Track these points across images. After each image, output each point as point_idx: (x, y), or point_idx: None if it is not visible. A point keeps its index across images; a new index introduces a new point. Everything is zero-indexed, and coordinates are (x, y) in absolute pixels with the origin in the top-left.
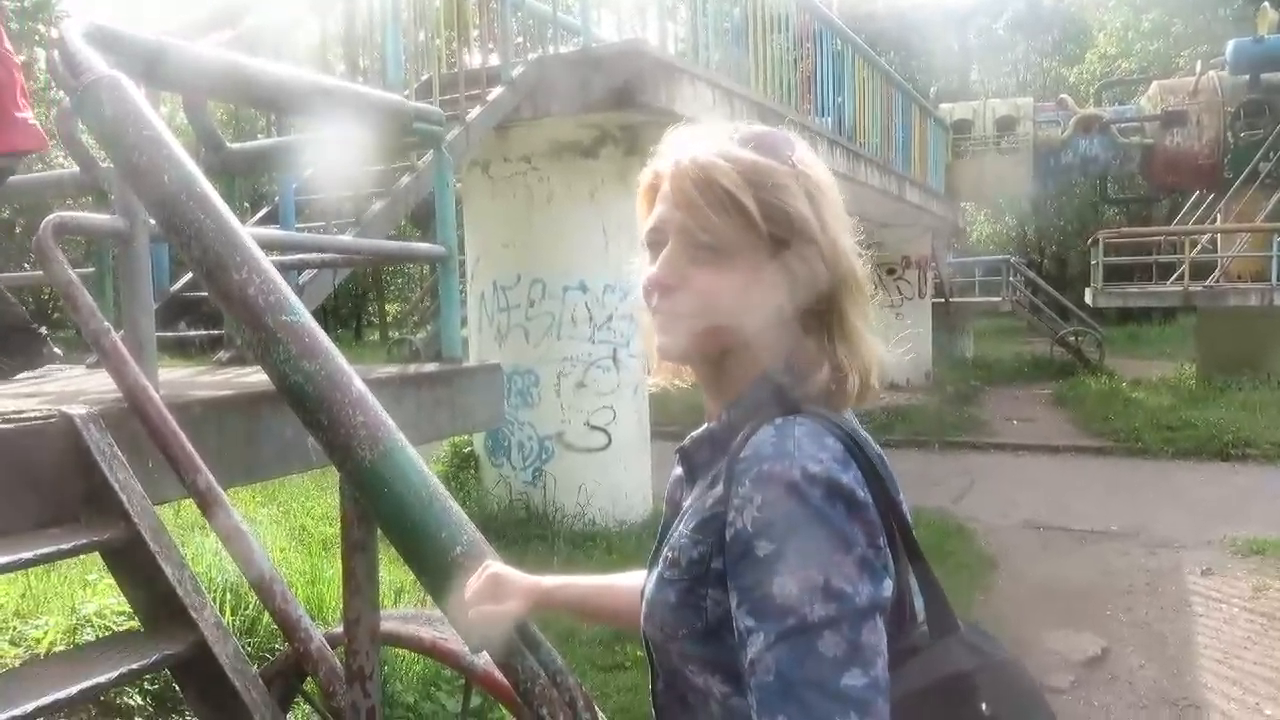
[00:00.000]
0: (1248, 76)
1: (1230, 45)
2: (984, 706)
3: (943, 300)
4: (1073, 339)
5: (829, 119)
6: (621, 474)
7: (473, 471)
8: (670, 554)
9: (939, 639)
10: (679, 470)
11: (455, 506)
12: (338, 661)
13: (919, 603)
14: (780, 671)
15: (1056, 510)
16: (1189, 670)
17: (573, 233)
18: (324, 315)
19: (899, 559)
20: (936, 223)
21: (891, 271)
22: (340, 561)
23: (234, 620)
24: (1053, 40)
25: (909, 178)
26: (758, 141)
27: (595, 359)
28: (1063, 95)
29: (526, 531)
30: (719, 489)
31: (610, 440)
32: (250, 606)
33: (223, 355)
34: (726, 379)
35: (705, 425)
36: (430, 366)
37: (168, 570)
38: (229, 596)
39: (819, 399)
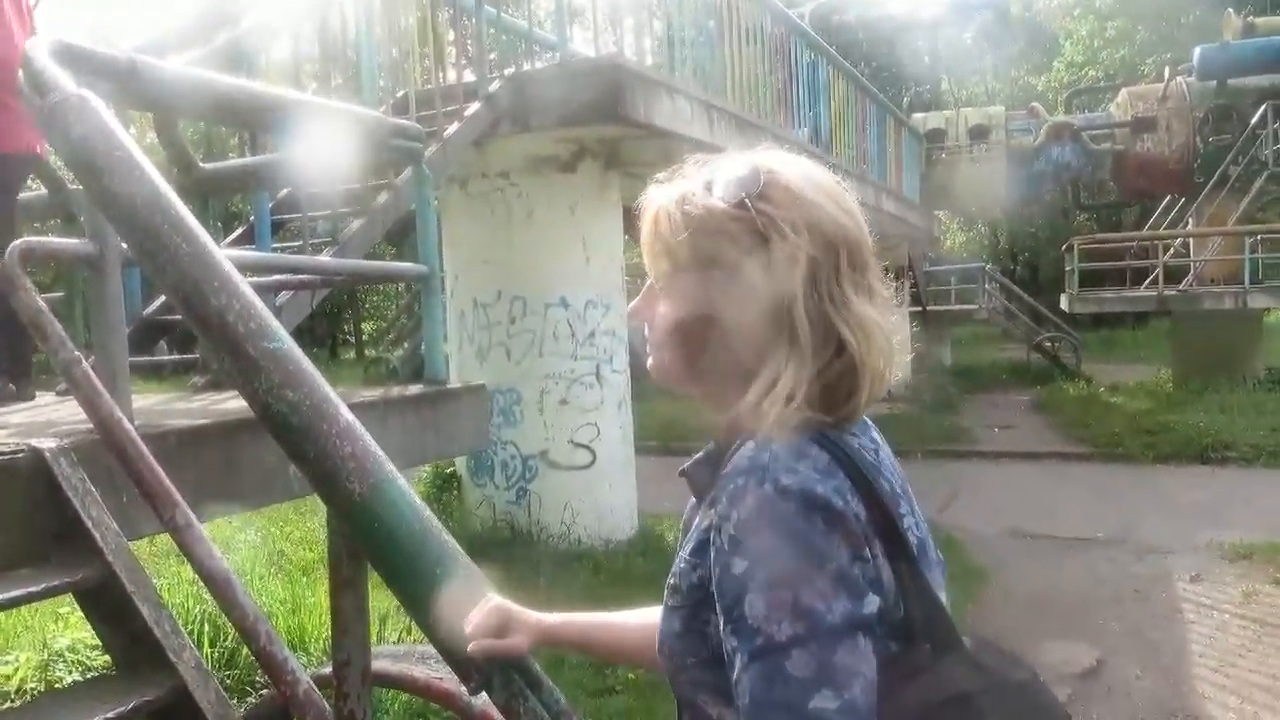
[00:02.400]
0: (1215, 82)
1: (1197, 51)
2: None
3: (920, 309)
4: (1049, 344)
5: (804, 130)
6: (607, 491)
7: (455, 492)
8: (672, 581)
9: (940, 657)
10: (692, 496)
11: (450, 540)
12: (327, 705)
13: (924, 618)
14: (752, 694)
15: (1042, 518)
16: (1185, 680)
17: (553, 248)
18: (299, 334)
19: (901, 572)
20: (913, 232)
21: None
22: (328, 598)
23: (213, 653)
24: (1020, 49)
25: (885, 187)
26: (722, 182)
27: (578, 375)
28: (1034, 104)
29: (511, 552)
30: (713, 510)
31: (595, 458)
32: (230, 638)
33: (198, 380)
34: (718, 400)
35: (704, 450)
36: (414, 389)
37: (144, 610)
38: (207, 628)
39: (806, 410)
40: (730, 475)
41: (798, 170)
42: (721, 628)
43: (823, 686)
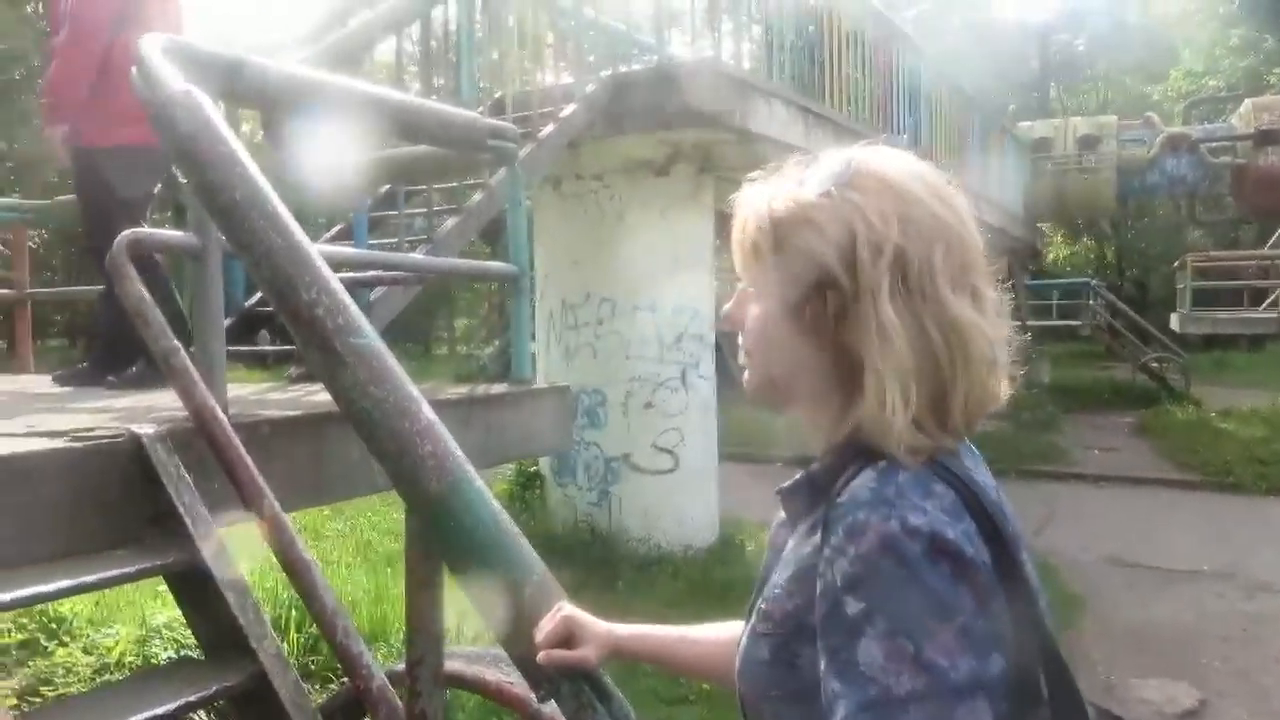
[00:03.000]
0: None
1: None
2: None
3: (1020, 324)
4: (1156, 365)
5: (904, 136)
6: (688, 498)
7: (537, 491)
8: (764, 606)
9: None
10: (782, 514)
11: (525, 544)
12: (399, 702)
13: (1045, 677)
14: None
15: (1144, 547)
16: None
17: (643, 251)
18: (393, 330)
19: (1022, 625)
20: (1014, 244)
21: None
22: (404, 595)
23: (299, 638)
24: (1135, 57)
25: (986, 197)
26: (811, 173)
27: (664, 380)
28: (1149, 113)
29: (590, 554)
30: (816, 538)
31: (678, 463)
32: (315, 625)
33: (293, 371)
34: (822, 419)
35: (806, 470)
36: (499, 388)
37: (230, 597)
38: (294, 614)
39: (917, 439)
40: (849, 505)
41: (897, 163)
42: (823, 667)
43: None
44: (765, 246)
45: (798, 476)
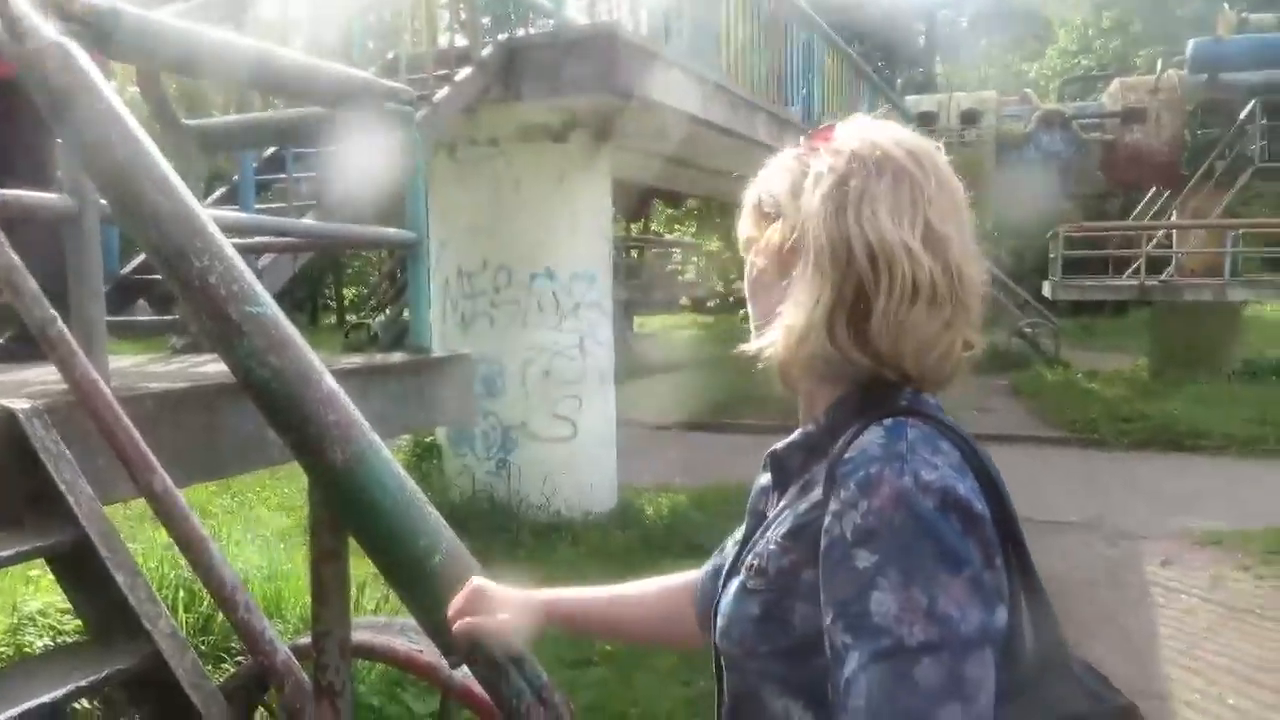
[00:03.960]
0: (1206, 76)
1: (1190, 45)
2: None
3: None
4: (1029, 330)
5: (796, 108)
6: (587, 464)
7: (435, 461)
8: (756, 562)
9: (1050, 676)
10: (765, 478)
11: (433, 511)
12: (305, 675)
13: (1036, 633)
14: (869, 697)
15: (1016, 500)
16: (1153, 662)
17: (540, 219)
18: (278, 298)
19: (1013, 582)
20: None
21: None
22: (308, 568)
23: (188, 618)
24: (1015, 35)
25: None
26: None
27: (562, 348)
28: (1026, 90)
29: (490, 523)
30: (815, 494)
31: (576, 430)
32: (206, 604)
33: (177, 342)
34: (820, 379)
35: (800, 430)
36: (398, 357)
37: (119, 577)
38: (183, 594)
39: (828, 350)
40: (860, 460)
41: (868, 124)
42: (828, 621)
43: (951, 698)
44: (749, 208)
45: (792, 437)
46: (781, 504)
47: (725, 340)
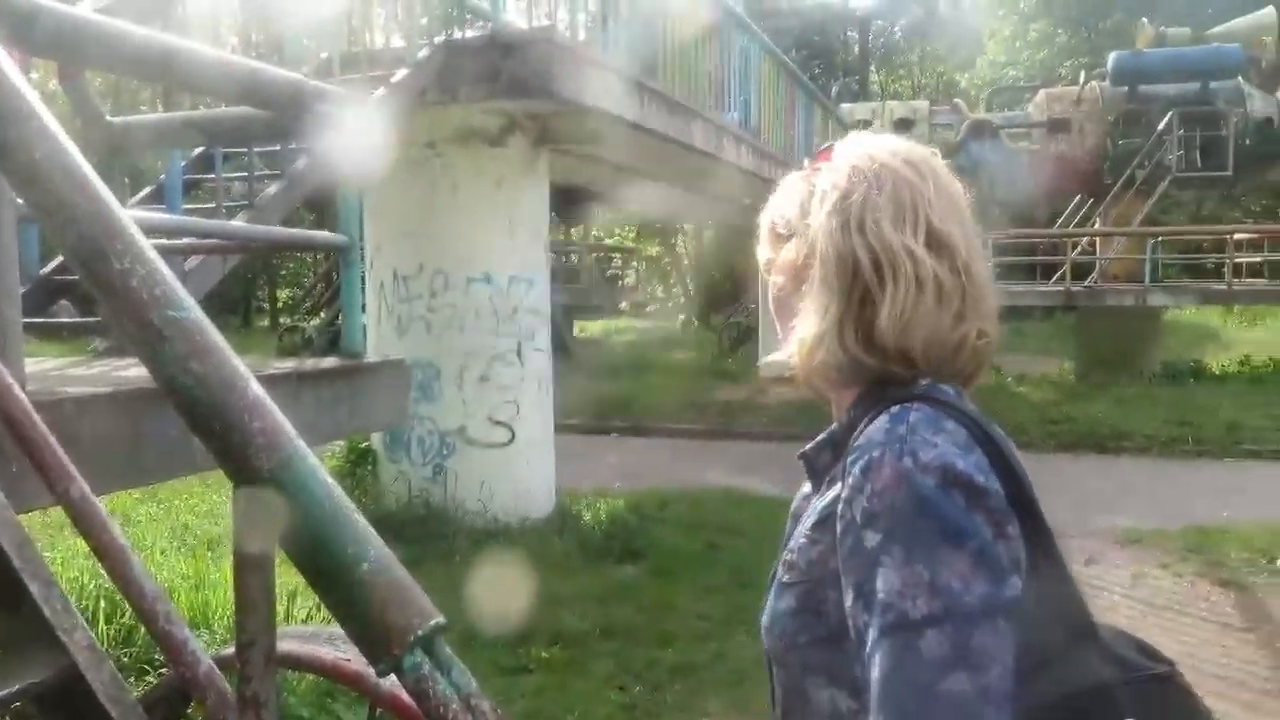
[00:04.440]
0: (1127, 88)
1: (1111, 58)
2: None
3: None
4: None
5: (734, 114)
6: (525, 470)
7: (370, 467)
8: (789, 557)
9: (1073, 645)
10: (806, 486)
11: (362, 520)
12: (229, 687)
13: (1058, 602)
14: (882, 669)
15: None
16: None
17: (478, 223)
18: (209, 300)
19: (1036, 552)
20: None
21: None
22: (231, 576)
23: (109, 630)
24: (947, 45)
25: None
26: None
27: (499, 353)
28: (956, 99)
29: (426, 529)
30: (837, 487)
31: (514, 435)
32: (127, 615)
33: (98, 344)
34: (840, 383)
35: (827, 429)
36: (330, 362)
37: (33, 587)
38: (103, 605)
39: (836, 356)
40: (864, 447)
41: (872, 138)
42: (849, 603)
43: (956, 668)
44: (765, 230)
45: (820, 437)
46: (814, 499)
47: (665, 345)
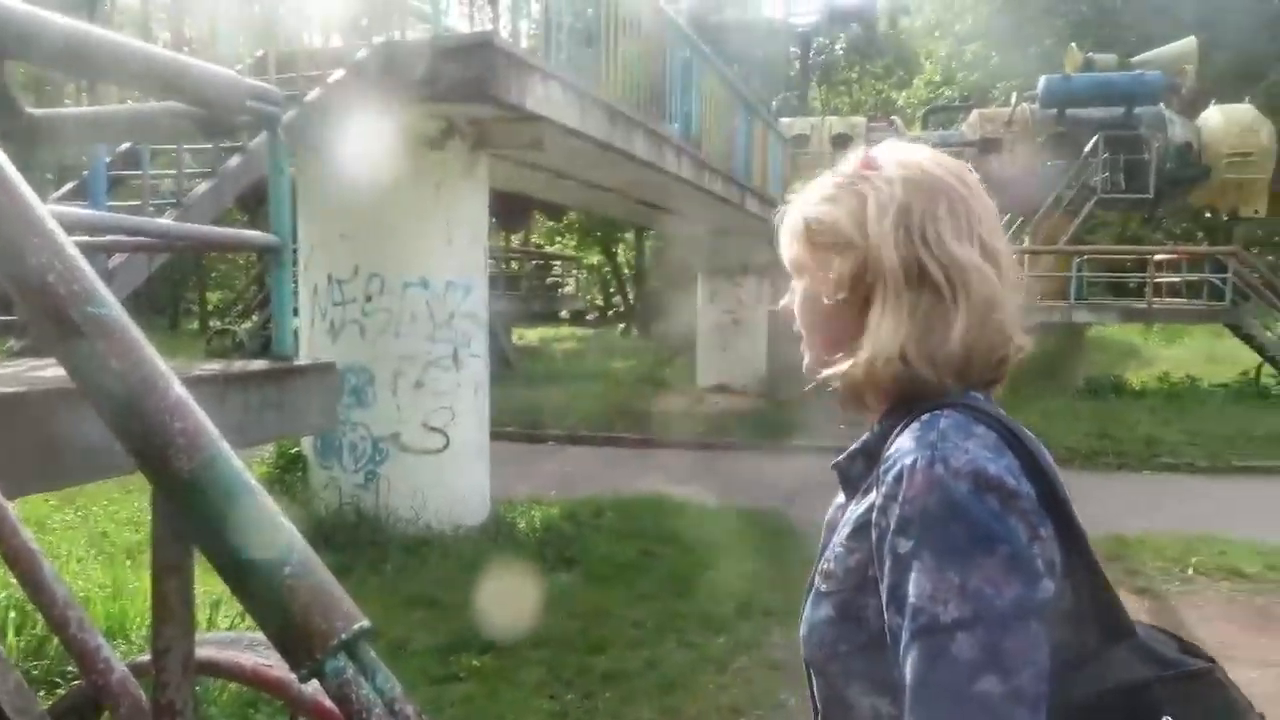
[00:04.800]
0: (1055, 111)
1: (1041, 81)
2: None
3: (778, 308)
4: None
5: (676, 125)
6: (459, 477)
7: (300, 474)
8: (826, 566)
9: (1109, 644)
10: (840, 496)
11: (286, 522)
12: (143, 695)
13: (1093, 601)
14: (915, 672)
15: None
16: None
17: (415, 227)
18: (134, 301)
19: (1071, 552)
20: (775, 233)
21: (731, 279)
22: (150, 582)
23: (18, 642)
24: (885, 64)
25: (750, 187)
26: (840, 161)
27: (435, 358)
28: (893, 117)
29: (357, 536)
30: (872, 495)
31: (449, 442)
32: (39, 626)
33: (15, 344)
34: (874, 391)
35: (860, 439)
36: (258, 364)
37: None
38: (14, 616)
39: (900, 369)
40: (897, 455)
41: (906, 147)
42: (885, 606)
43: (989, 671)
44: (798, 233)
45: (853, 447)
46: (849, 509)
47: (605, 354)
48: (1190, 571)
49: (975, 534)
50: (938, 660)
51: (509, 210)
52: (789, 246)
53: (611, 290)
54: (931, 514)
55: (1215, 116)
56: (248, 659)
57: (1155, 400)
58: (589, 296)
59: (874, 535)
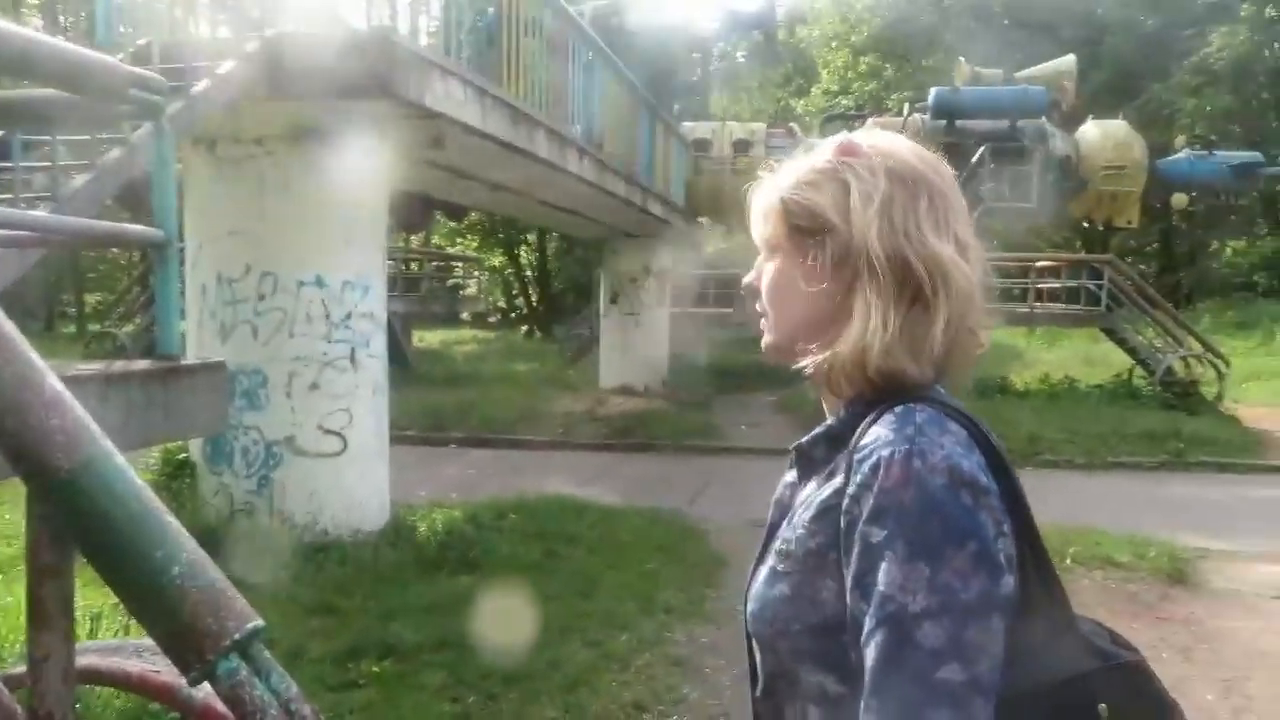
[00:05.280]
0: (945, 121)
1: (932, 93)
2: (1102, 710)
3: (680, 310)
4: None
5: (578, 127)
6: (358, 480)
7: (188, 480)
8: (784, 547)
9: (1055, 637)
10: (791, 475)
11: (173, 521)
12: (19, 708)
13: (1045, 596)
14: (878, 657)
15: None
16: None
17: (310, 224)
18: (6, 303)
19: (1025, 548)
20: (677, 235)
21: (633, 280)
22: (25, 588)
23: None
24: (785, 72)
25: (652, 190)
26: (819, 146)
27: (332, 359)
28: (791, 123)
29: (250, 544)
30: (838, 480)
31: (346, 445)
32: None
33: None
34: (854, 377)
35: (824, 423)
36: (142, 364)
37: None
38: None
39: (887, 362)
40: (874, 445)
41: (887, 136)
42: (849, 590)
43: (951, 659)
44: (776, 213)
45: (817, 431)
46: (807, 492)
47: (507, 356)
48: (1069, 562)
49: (948, 528)
50: (903, 647)
51: (409, 210)
52: (763, 225)
53: (514, 292)
54: (907, 507)
55: (1092, 131)
56: (134, 665)
57: (1037, 400)
58: (491, 298)
59: (843, 521)
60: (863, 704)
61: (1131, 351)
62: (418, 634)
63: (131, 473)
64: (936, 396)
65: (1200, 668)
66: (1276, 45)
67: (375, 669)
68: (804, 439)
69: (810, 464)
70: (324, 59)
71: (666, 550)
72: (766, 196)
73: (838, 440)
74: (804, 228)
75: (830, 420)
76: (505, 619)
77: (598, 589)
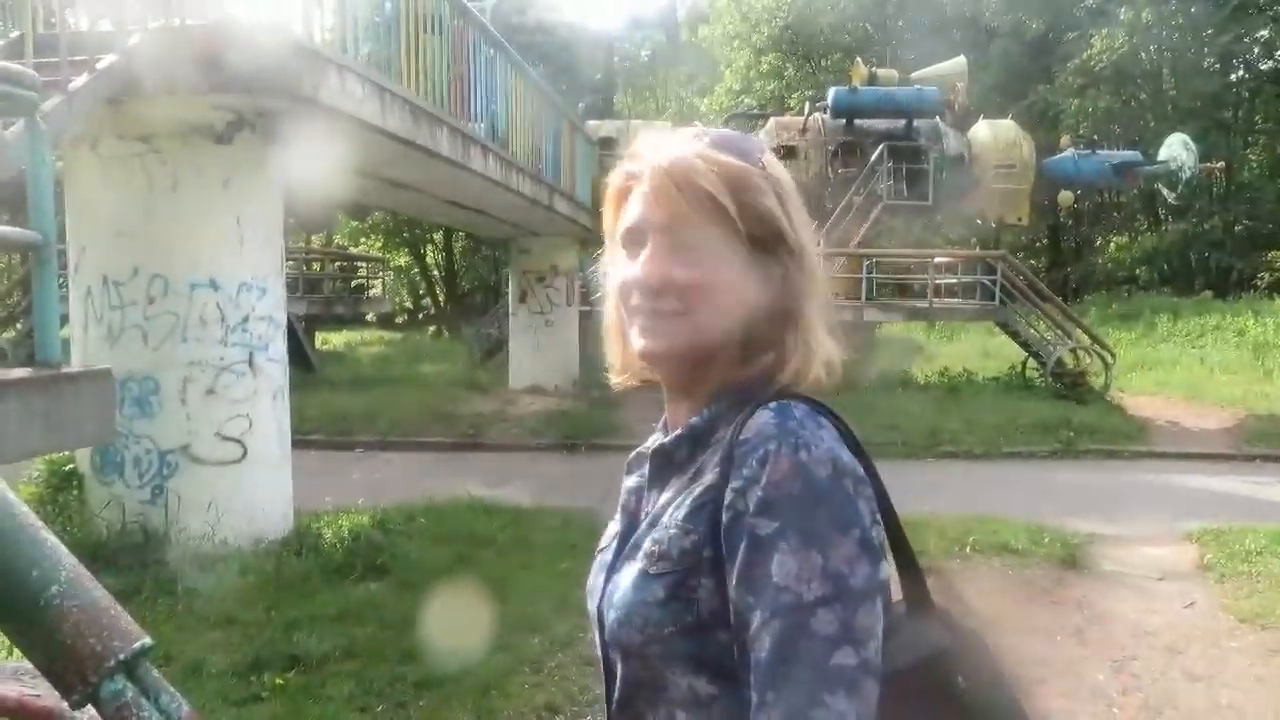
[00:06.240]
0: (844, 121)
1: (831, 92)
2: (960, 681)
3: (589, 309)
4: None
5: (482, 125)
6: (258, 488)
7: (75, 492)
8: (655, 548)
9: (918, 617)
10: (632, 480)
11: (51, 538)
12: None
13: (905, 579)
14: (773, 648)
15: None
16: None
17: (202, 225)
18: None
19: (885, 534)
20: (584, 234)
21: (541, 279)
22: None
23: None
24: (688, 71)
25: (558, 188)
26: (730, 145)
27: (229, 363)
28: (696, 122)
29: (144, 557)
30: (708, 477)
31: (246, 452)
32: None
33: None
34: (705, 376)
35: (683, 426)
36: (20, 372)
37: None
38: None
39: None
40: (757, 440)
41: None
42: (734, 586)
43: (844, 644)
44: (721, 207)
45: (679, 432)
46: (670, 493)
47: (415, 357)
48: (968, 550)
49: (835, 517)
50: (799, 635)
51: (309, 208)
52: (698, 215)
53: (421, 292)
54: (797, 498)
55: (984, 131)
56: (12, 689)
57: (937, 393)
58: (397, 299)
59: (725, 516)
60: (755, 698)
61: (1024, 344)
62: (324, 643)
63: (5, 488)
64: (800, 394)
65: (1092, 648)
66: (1153, 48)
67: (279, 681)
68: (665, 441)
69: (669, 465)
70: (214, 53)
71: (580, 550)
72: (704, 189)
73: (701, 439)
74: (755, 236)
75: (691, 421)
76: (415, 625)
77: (510, 591)
